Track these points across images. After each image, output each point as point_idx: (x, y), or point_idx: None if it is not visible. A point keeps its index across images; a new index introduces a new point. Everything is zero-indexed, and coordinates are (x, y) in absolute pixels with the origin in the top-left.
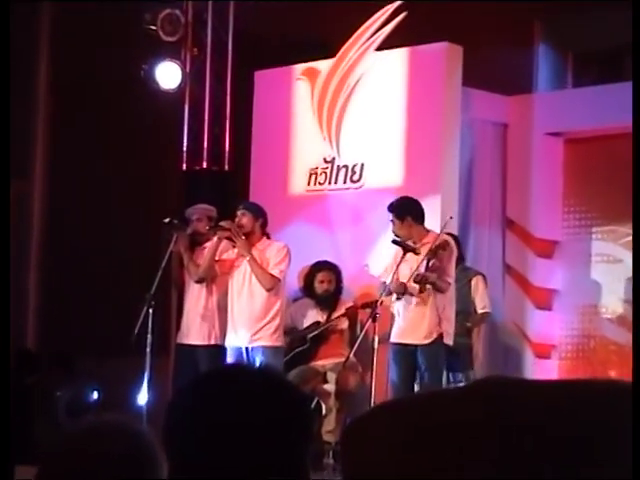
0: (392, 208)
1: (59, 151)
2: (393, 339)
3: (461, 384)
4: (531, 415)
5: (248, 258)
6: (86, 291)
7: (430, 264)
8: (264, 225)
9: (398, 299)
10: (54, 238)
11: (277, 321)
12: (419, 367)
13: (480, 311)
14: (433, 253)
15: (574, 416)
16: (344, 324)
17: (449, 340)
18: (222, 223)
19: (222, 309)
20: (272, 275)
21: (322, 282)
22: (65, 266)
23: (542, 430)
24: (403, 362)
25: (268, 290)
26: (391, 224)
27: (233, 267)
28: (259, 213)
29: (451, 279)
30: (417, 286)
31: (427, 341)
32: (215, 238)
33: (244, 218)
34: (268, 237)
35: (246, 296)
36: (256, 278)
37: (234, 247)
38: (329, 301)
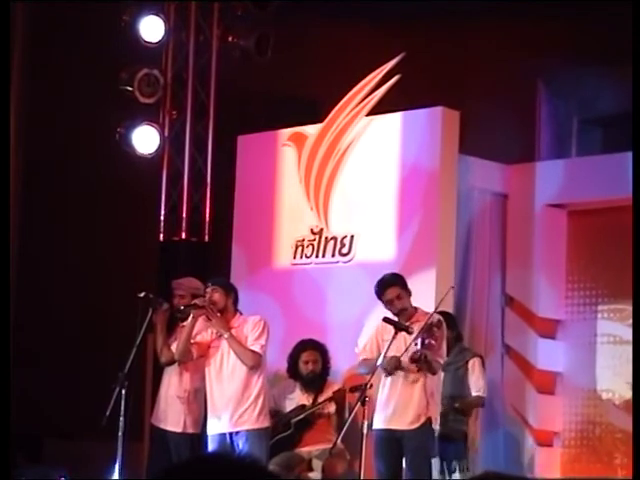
0: (397, 280)
1: (28, 220)
2: (377, 425)
3: (455, 474)
4: None
5: (227, 336)
6: (53, 369)
7: (425, 342)
8: (236, 301)
9: (389, 374)
10: (21, 310)
11: (261, 401)
12: (405, 454)
13: (474, 394)
14: (428, 331)
15: None
16: (331, 408)
17: (437, 425)
18: (196, 301)
19: (198, 394)
20: (253, 351)
21: (307, 363)
22: (32, 340)
23: None
24: (389, 450)
25: (251, 368)
26: (391, 302)
27: (209, 349)
28: (230, 289)
29: (442, 360)
30: (411, 365)
31: (414, 426)
32: (190, 318)
33: (215, 294)
34: (241, 313)
35: (226, 377)
36: (237, 356)
37: (211, 326)
38: (315, 383)
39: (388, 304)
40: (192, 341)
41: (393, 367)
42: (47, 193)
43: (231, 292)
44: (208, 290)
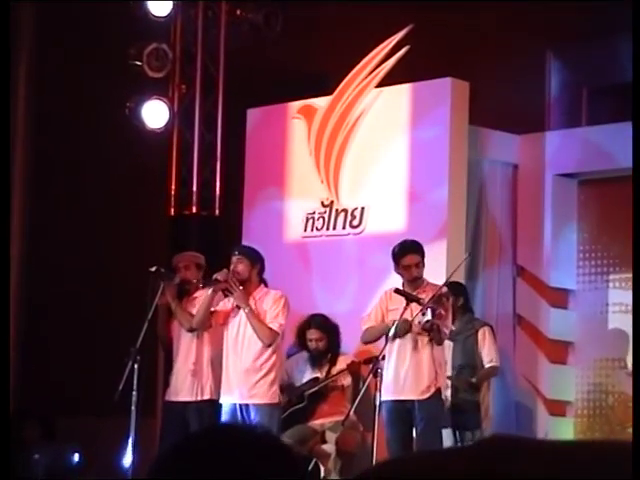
0: (419, 249)
1: (40, 198)
2: (387, 396)
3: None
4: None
5: (247, 310)
6: (65, 344)
7: (436, 312)
8: (261, 272)
9: (400, 337)
10: (32, 288)
11: (272, 375)
12: (416, 425)
13: (487, 365)
14: (438, 302)
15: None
16: (345, 380)
17: (445, 395)
18: (217, 276)
19: (216, 362)
20: (271, 329)
21: (311, 341)
22: (43, 317)
23: None
24: (400, 421)
25: (268, 346)
26: (408, 268)
27: (228, 318)
28: (256, 259)
29: (448, 331)
30: (420, 334)
31: (425, 396)
32: (210, 291)
33: (240, 265)
34: (266, 284)
35: (241, 349)
36: (254, 332)
37: (230, 296)
38: (321, 359)
39: (404, 269)
40: (212, 309)
41: (404, 331)
42: (58, 169)
43: (257, 263)
44: (234, 259)
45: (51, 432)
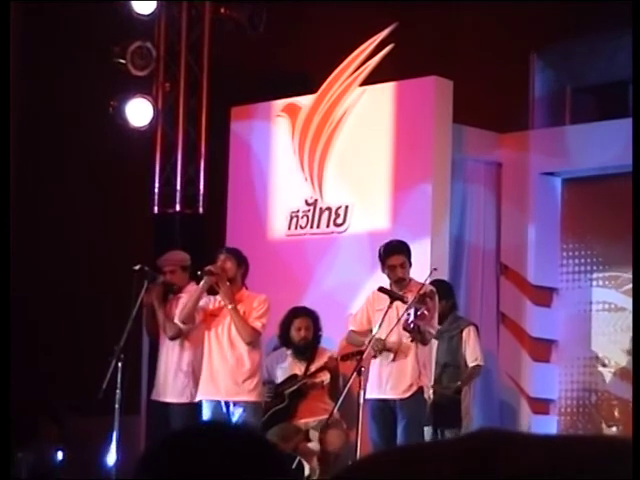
0: (405, 248)
1: (23, 196)
2: (371, 395)
3: None
4: (518, 472)
5: (230, 307)
6: (49, 342)
7: (419, 313)
8: (245, 274)
9: (375, 357)
10: (14, 285)
11: (257, 376)
12: (399, 423)
13: (471, 364)
14: (421, 301)
15: (568, 476)
16: (325, 377)
17: (428, 394)
18: (210, 268)
19: (199, 364)
20: (253, 327)
21: (299, 329)
22: (26, 314)
23: None
24: (383, 419)
25: (248, 343)
26: (393, 269)
27: (210, 316)
28: (242, 260)
29: (434, 331)
30: (395, 344)
31: (407, 395)
32: (202, 283)
33: (228, 262)
34: (246, 288)
35: (227, 347)
36: (236, 329)
37: (216, 294)
38: (307, 350)
39: (389, 270)
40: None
41: (379, 349)
42: (41, 167)
43: (242, 264)
44: (221, 257)
45: (33, 431)
